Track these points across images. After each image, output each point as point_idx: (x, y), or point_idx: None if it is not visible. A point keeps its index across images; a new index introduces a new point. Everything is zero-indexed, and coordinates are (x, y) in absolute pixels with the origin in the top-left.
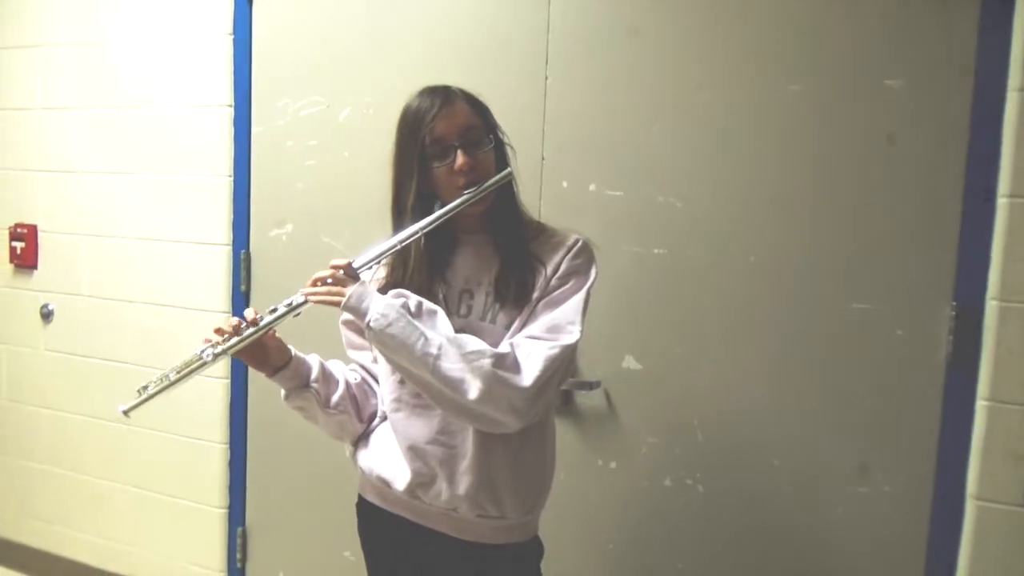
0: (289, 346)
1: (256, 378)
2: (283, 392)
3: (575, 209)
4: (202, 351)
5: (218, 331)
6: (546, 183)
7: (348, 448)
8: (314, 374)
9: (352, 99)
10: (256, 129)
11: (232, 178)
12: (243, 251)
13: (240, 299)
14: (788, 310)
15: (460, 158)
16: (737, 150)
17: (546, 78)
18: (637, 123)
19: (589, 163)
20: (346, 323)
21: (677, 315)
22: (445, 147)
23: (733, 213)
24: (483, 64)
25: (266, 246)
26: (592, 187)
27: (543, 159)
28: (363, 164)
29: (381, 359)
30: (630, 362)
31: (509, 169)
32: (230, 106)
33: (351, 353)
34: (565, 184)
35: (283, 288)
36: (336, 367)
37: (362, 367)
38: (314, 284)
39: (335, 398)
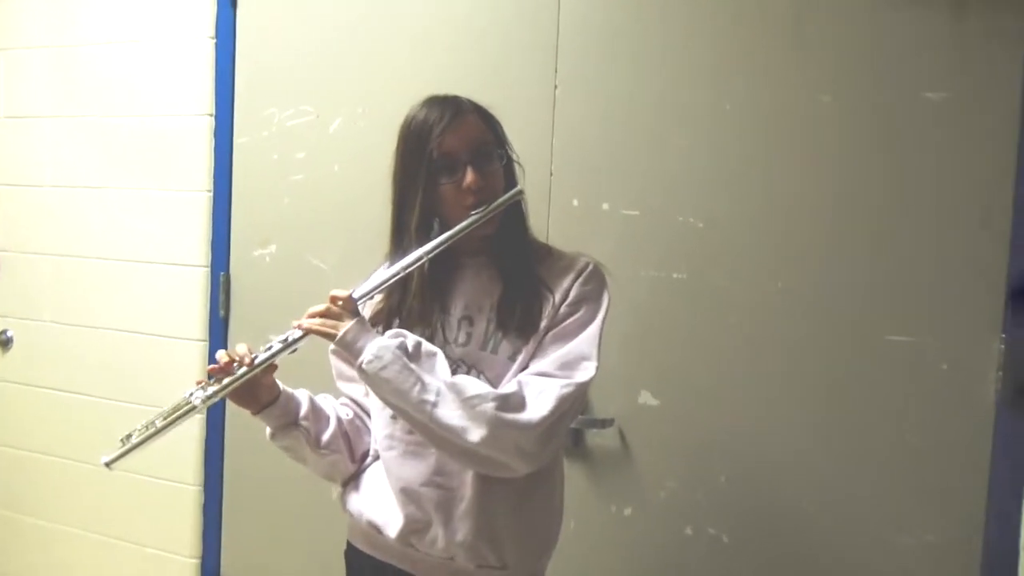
0: (277, 381)
1: (234, 415)
2: (268, 431)
3: (586, 229)
4: (191, 394)
5: (212, 371)
6: (554, 201)
7: (336, 490)
8: (303, 411)
9: (343, 109)
10: (239, 140)
11: (211, 193)
12: (222, 273)
13: (219, 325)
14: (821, 341)
15: (470, 175)
16: (763, 166)
17: (555, 87)
18: (654, 136)
19: (602, 179)
20: (337, 353)
21: (698, 346)
22: (453, 162)
23: (759, 235)
24: (486, 71)
25: (248, 268)
26: (605, 206)
27: (551, 175)
28: (354, 179)
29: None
30: (647, 398)
31: (520, 188)
32: (211, 115)
33: (341, 385)
34: (575, 202)
35: (266, 314)
36: (327, 402)
37: (353, 401)
38: (311, 317)
39: (326, 437)
